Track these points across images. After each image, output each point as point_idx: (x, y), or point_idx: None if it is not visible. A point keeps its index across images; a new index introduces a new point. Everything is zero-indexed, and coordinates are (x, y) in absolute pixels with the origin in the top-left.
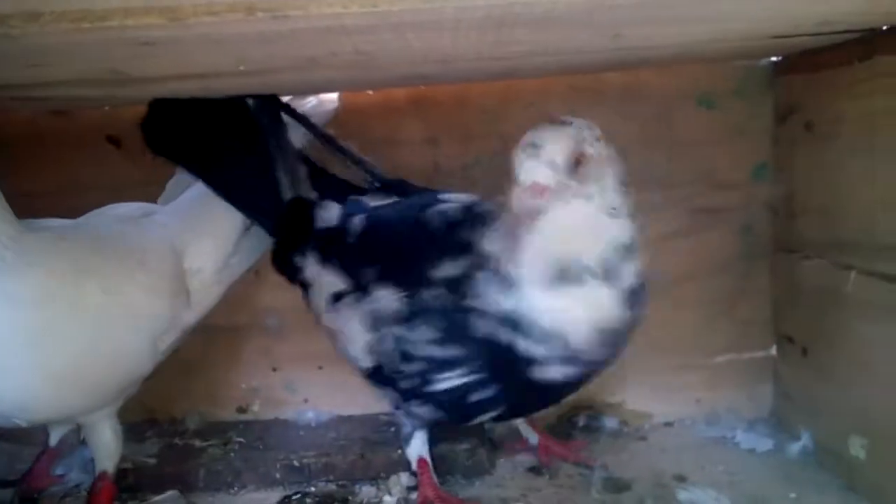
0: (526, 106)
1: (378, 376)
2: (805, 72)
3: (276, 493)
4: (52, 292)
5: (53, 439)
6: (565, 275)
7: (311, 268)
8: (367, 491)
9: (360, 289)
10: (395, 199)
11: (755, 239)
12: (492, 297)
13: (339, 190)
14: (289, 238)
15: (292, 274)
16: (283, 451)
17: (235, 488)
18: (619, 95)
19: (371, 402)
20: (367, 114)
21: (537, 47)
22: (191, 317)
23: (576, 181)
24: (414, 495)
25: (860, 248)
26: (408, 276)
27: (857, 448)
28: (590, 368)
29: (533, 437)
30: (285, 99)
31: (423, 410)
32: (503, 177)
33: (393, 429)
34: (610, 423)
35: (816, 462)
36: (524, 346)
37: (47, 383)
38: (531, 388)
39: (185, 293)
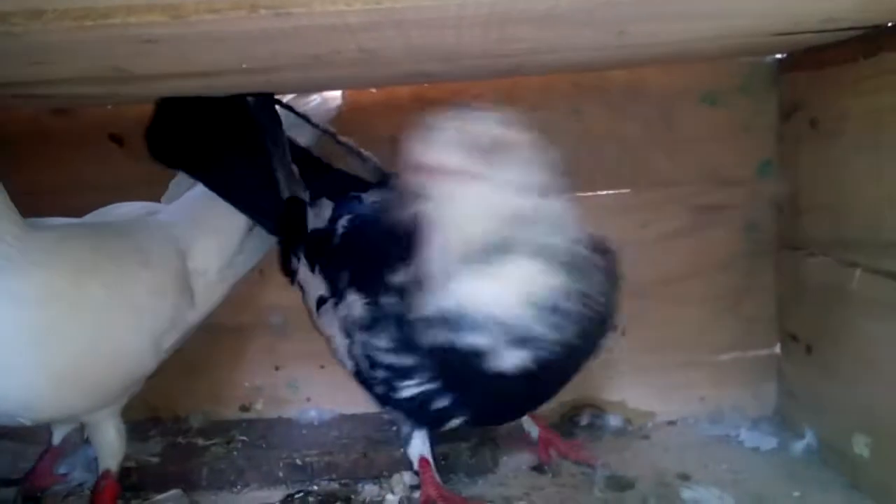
0: (530, 104)
1: (359, 380)
2: (810, 69)
3: (279, 492)
4: (55, 291)
5: (57, 438)
6: (477, 257)
7: (303, 270)
8: (369, 490)
9: (337, 294)
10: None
11: (760, 236)
12: (426, 300)
13: (343, 187)
14: (286, 239)
15: (291, 276)
16: (286, 449)
17: (238, 487)
18: (623, 93)
19: None
20: (371, 112)
21: (541, 45)
22: (194, 316)
23: (479, 164)
24: (417, 494)
25: (865, 245)
26: (372, 282)
27: (861, 446)
28: (547, 353)
29: (534, 431)
30: (289, 97)
31: (396, 416)
32: None
33: (395, 428)
34: (613, 421)
35: (820, 460)
36: (464, 340)
37: (51, 382)
38: (492, 385)
39: (189, 292)
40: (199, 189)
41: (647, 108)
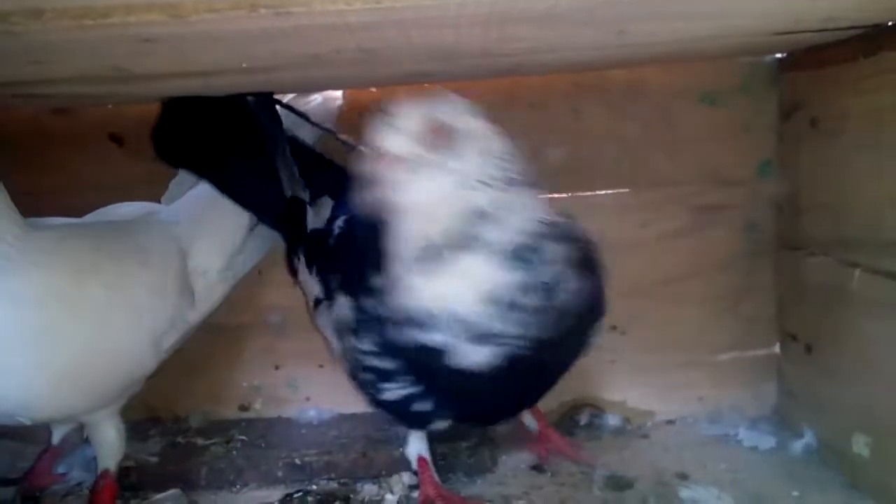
0: (530, 104)
1: (352, 381)
2: (810, 68)
3: (278, 492)
4: (55, 291)
5: (56, 438)
6: (433, 253)
7: (302, 271)
8: (368, 489)
9: (329, 296)
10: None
11: (759, 236)
12: (394, 300)
13: (345, 184)
14: (289, 238)
15: (294, 275)
16: (285, 449)
17: (237, 486)
18: (623, 93)
19: None
20: (371, 111)
21: (541, 44)
22: (195, 316)
23: (435, 154)
24: (416, 493)
25: (865, 245)
26: (357, 284)
27: (860, 446)
28: (515, 349)
29: (533, 425)
30: (289, 96)
31: (387, 417)
32: None
33: (394, 427)
34: (612, 420)
35: (820, 460)
36: (426, 338)
37: (50, 382)
38: (465, 384)
39: (190, 292)
40: (200, 189)
41: (646, 108)
